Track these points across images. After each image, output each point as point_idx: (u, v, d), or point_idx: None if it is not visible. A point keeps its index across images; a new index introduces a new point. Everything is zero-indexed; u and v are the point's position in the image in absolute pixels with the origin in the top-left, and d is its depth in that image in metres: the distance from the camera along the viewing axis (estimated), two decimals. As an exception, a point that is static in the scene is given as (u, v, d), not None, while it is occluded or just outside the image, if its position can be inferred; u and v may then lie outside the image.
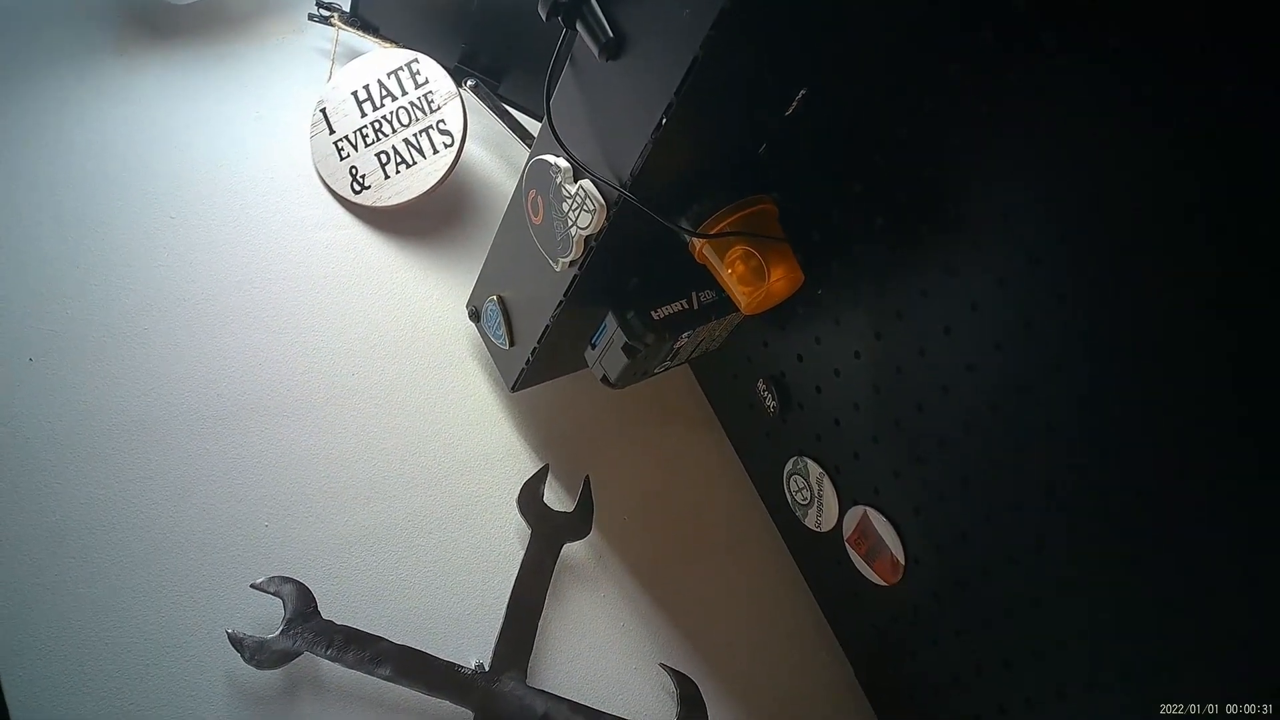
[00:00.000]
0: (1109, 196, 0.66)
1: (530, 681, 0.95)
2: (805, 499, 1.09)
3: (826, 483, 1.05)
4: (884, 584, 1.00)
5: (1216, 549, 0.68)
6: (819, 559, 1.12)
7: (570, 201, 0.80)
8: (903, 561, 0.97)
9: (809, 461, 1.07)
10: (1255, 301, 0.61)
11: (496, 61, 1.25)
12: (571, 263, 0.84)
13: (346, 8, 1.26)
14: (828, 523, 1.07)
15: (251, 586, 0.89)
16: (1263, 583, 0.65)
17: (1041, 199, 0.71)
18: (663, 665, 1.03)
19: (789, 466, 1.11)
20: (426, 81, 1.17)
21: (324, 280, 1.14)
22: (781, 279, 0.80)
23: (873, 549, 1.00)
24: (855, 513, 1.01)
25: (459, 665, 0.92)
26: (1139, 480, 0.71)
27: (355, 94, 1.19)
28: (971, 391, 0.82)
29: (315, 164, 1.20)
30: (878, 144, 0.83)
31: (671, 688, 1.02)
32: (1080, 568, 0.79)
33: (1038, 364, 0.76)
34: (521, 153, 1.25)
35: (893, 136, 0.81)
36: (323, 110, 1.20)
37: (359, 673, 0.88)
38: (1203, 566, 0.69)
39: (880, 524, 0.98)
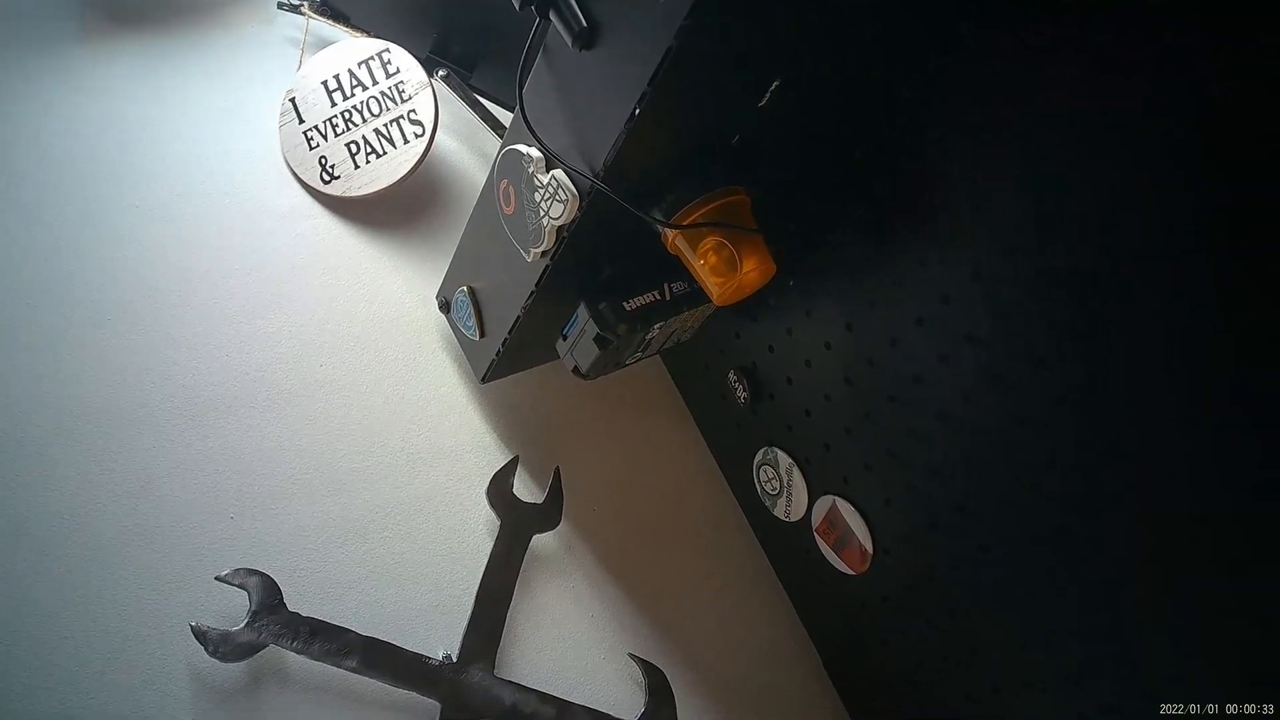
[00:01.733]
0: (1088, 189, 0.67)
1: (498, 672, 0.95)
2: (775, 489, 1.10)
3: (796, 473, 1.06)
4: (852, 573, 1.01)
5: (1191, 538, 0.69)
6: (788, 548, 1.13)
7: (542, 191, 0.80)
8: (871, 551, 0.98)
9: (779, 452, 1.08)
10: (1231, 289, 0.62)
11: (469, 51, 1.25)
12: (543, 253, 0.84)
13: (316, -5, 1.25)
14: (796, 512, 1.07)
15: (216, 579, 0.87)
16: (1251, 575, 0.66)
17: (1020, 191, 0.72)
18: (631, 655, 1.04)
19: (759, 457, 1.12)
20: (398, 71, 1.16)
21: (292, 271, 1.12)
22: (753, 270, 0.81)
23: (841, 538, 1.01)
24: (824, 502, 1.02)
25: (426, 657, 0.91)
26: (1113, 470, 0.72)
27: (325, 83, 1.18)
28: (943, 383, 0.83)
29: (284, 154, 1.19)
30: (856, 136, 0.83)
31: (640, 678, 1.02)
32: (1050, 557, 0.80)
33: (1011, 356, 0.77)
34: (493, 143, 1.25)
35: (872, 128, 0.82)
36: (292, 100, 1.19)
37: (325, 665, 0.88)
38: (1174, 555, 0.70)
39: (849, 513, 0.99)
